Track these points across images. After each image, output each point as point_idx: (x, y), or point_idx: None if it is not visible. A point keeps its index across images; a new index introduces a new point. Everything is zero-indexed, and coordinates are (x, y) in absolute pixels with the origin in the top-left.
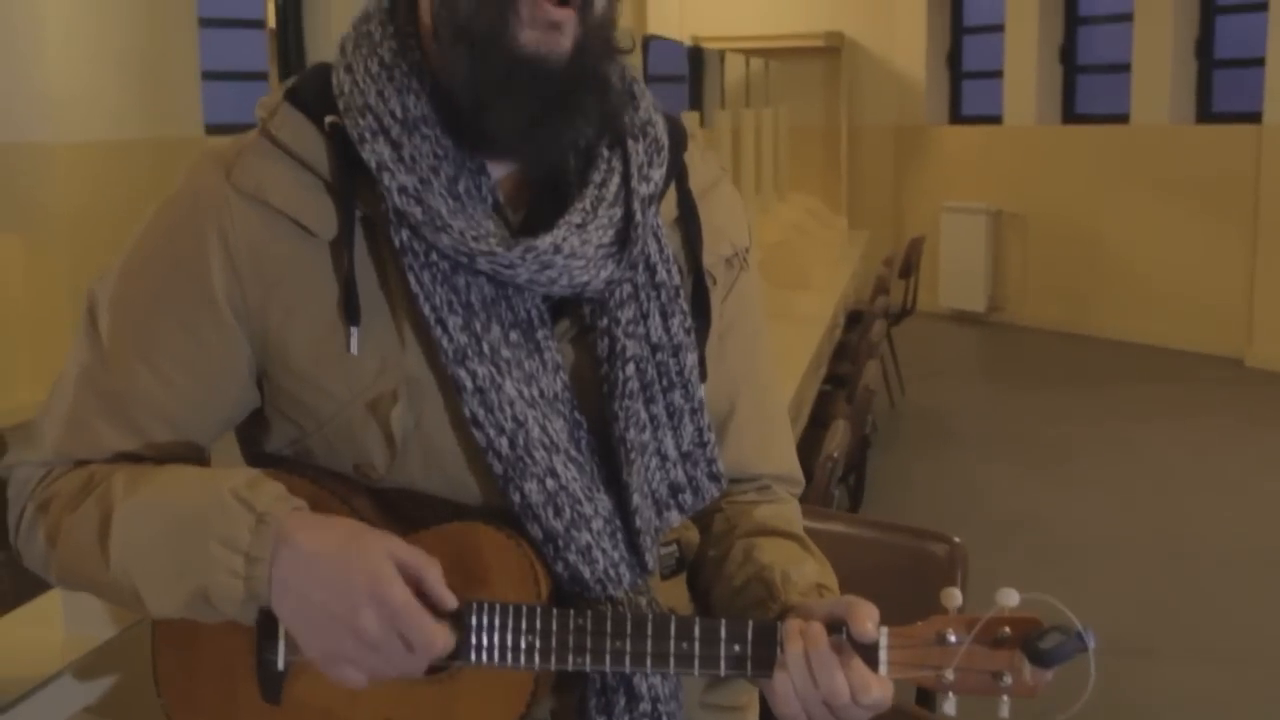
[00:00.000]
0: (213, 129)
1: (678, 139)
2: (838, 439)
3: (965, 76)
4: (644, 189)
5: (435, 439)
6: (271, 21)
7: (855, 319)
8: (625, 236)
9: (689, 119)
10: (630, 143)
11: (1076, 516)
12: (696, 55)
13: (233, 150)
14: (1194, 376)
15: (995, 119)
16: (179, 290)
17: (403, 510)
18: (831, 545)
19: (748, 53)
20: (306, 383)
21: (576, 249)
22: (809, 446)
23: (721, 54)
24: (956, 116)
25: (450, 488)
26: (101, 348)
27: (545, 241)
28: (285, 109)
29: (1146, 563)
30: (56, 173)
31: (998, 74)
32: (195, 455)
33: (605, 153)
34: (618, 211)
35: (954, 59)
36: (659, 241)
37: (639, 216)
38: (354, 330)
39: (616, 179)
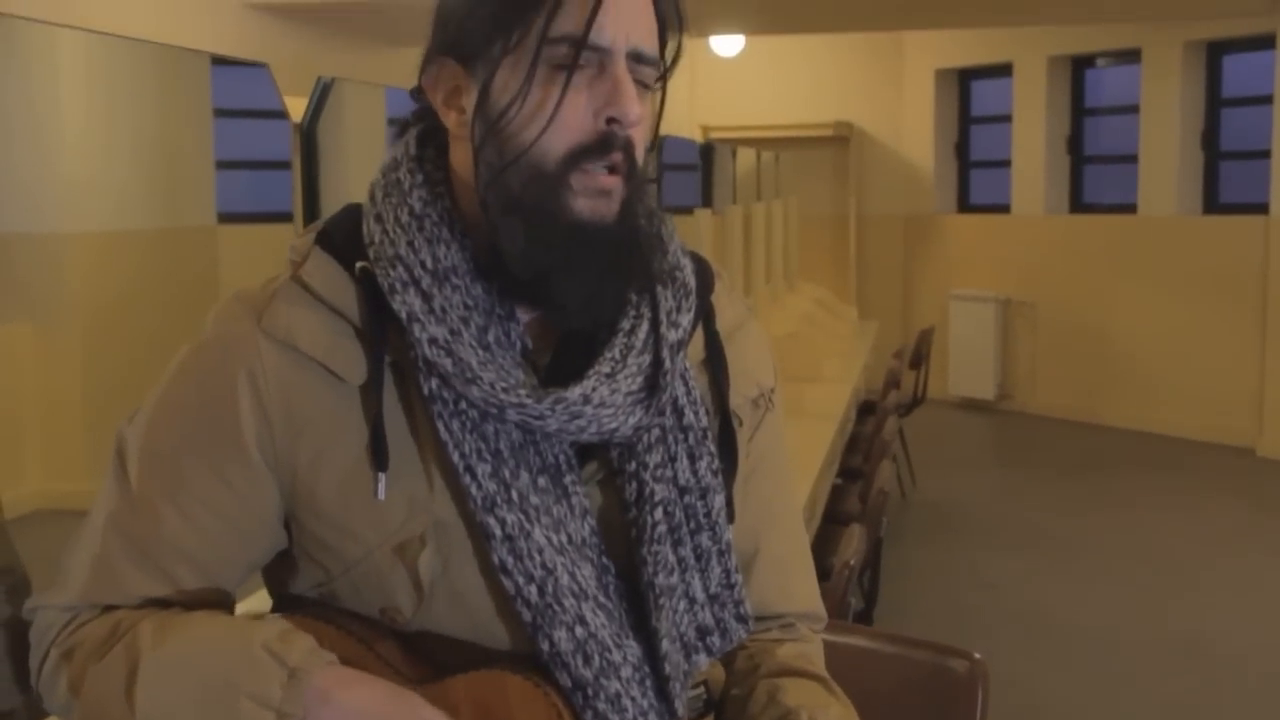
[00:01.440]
0: (225, 217)
1: (705, 280)
2: (854, 546)
3: (973, 166)
4: (673, 335)
5: (463, 584)
6: (295, 115)
7: (867, 410)
8: (654, 383)
9: (701, 216)
10: (660, 289)
11: (1088, 610)
12: (708, 150)
13: (264, 296)
14: (1205, 466)
15: (1003, 208)
16: (208, 434)
17: (429, 655)
18: (850, 660)
19: (757, 143)
20: (334, 526)
21: (606, 398)
22: (823, 544)
23: (733, 148)
24: (965, 206)
25: (478, 633)
26: (130, 491)
27: (575, 393)
28: (316, 254)
29: (1158, 658)
30: (68, 262)
31: (1005, 164)
32: (222, 600)
33: (634, 298)
34: (646, 359)
35: (962, 149)
36: (687, 384)
37: (668, 364)
38: (382, 476)
39: (645, 326)
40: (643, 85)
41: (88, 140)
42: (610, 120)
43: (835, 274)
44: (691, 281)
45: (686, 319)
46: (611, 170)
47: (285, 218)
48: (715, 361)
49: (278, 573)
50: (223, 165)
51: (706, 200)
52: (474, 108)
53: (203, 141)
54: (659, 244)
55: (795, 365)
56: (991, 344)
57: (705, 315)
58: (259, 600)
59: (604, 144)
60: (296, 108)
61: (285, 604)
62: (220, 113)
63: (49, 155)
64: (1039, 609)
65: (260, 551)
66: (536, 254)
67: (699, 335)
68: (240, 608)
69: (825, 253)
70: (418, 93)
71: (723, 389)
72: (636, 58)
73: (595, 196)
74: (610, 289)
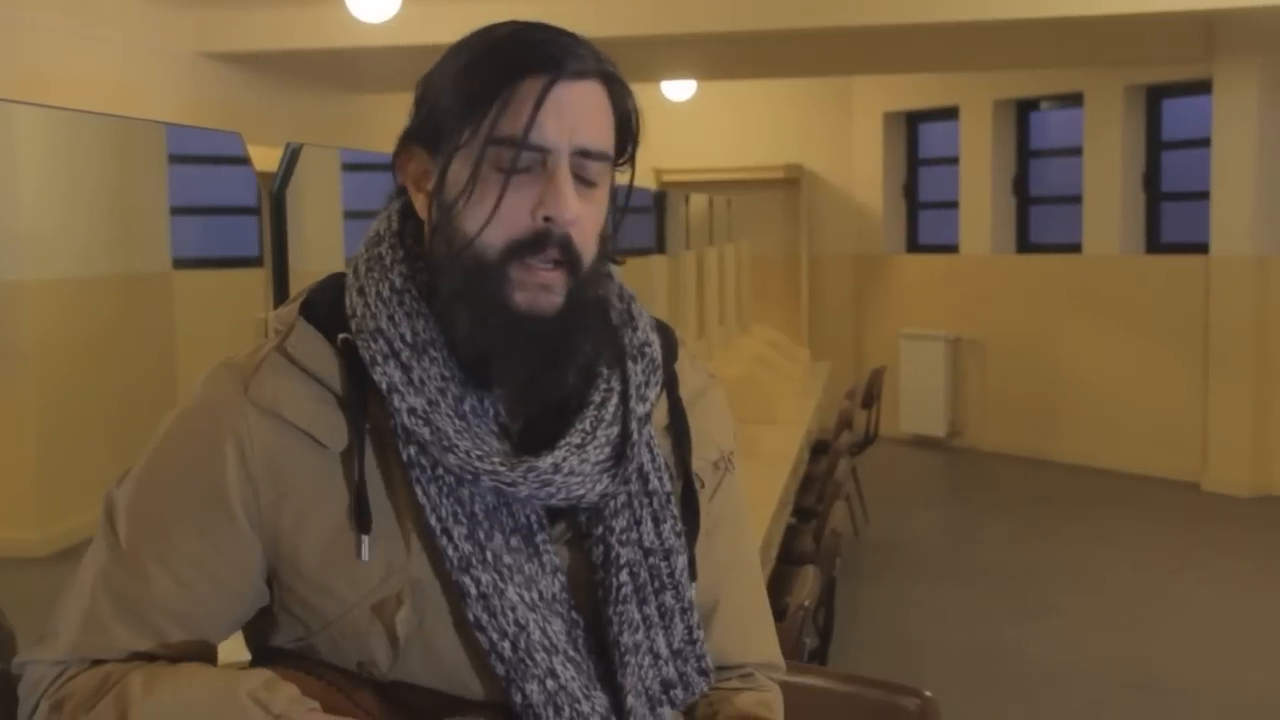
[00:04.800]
0: (180, 263)
1: (669, 348)
2: (808, 587)
3: (922, 207)
4: (641, 409)
5: (438, 640)
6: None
7: (821, 450)
8: (621, 453)
9: (655, 261)
10: (629, 364)
11: (1039, 644)
12: (661, 197)
13: (250, 365)
14: (1152, 501)
15: (952, 248)
16: (195, 496)
17: (406, 704)
18: (804, 699)
19: (710, 185)
20: (315, 585)
21: (575, 467)
22: (779, 584)
23: (686, 195)
24: (914, 246)
25: (452, 685)
26: (119, 550)
27: (546, 462)
28: (301, 326)
29: (1108, 692)
30: (25, 310)
31: (953, 205)
32: (207, 653)
33: (605, 372)
34: (615, 430)
35: (910, 190)
36: (652, 451)
37: (635, 435)
38: (365, 538)
39: (615, 399)
40: (586, 182)
41: (42, 192)
42: (547, 218)
43: (788, 315)
44: (659, 356)
45: (654, 392)
46: (555, 264)
47: (248, 262)
48: (678, 427)
49: (258, 627)
50: (178, 211)
51: (660, 245)
52: (431, 191)
53: (156, 187)
54: (629, 320)
55: (748, 408)
56: (942, 382)
57: (669, 382)
58: (234, 650)
59: (539, 240)
60: (257, 157)
61: (264, 656)
62: (175, 159)
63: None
64: (990, 645)
65: (244, 608)
66: (478, 339)
67: (663, 402)
68: (221, 658)
69: (778, 293)
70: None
71: (685, 453)
72: (583, 154)
73: (535, 290)
74: (547, 378)
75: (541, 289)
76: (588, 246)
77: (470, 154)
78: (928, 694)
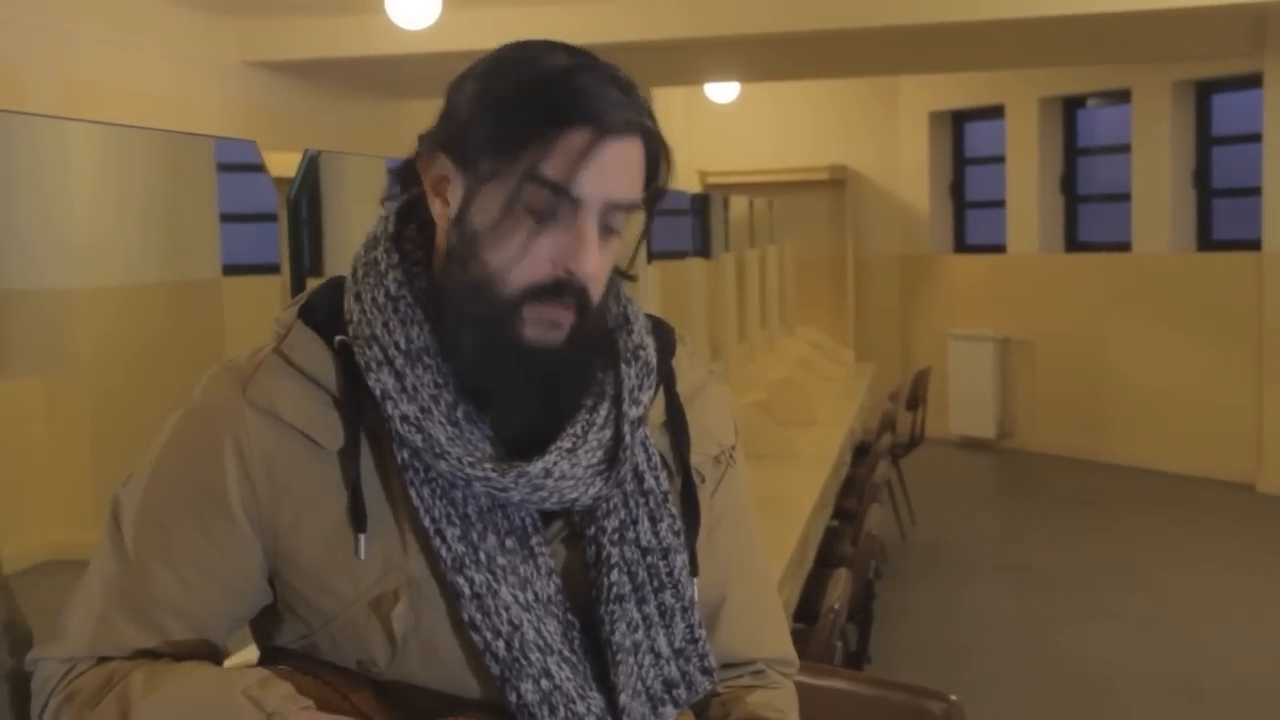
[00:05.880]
0: (230, 269)
1: (666, 345)
2: (840, 589)
3: (968, 206)
4: (633, 412)
5: (434, 638)
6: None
7: (863, 451)
8: (614, 456)
9: (693, 264)
10: (624, 367)
11: (1088, 648)
12: (700, 199)
13: (249, 366)
14: (1205, 502)
15: (999, 248)
16: (197, 498)
17: (404, 704)
18: (829, 702)
19: (754, 187)
20: (313, 582)
21: (566, 471)
22: (815, 587)
23: (725, 197)
24: (961, 246)
25: (449, 684)
26: (125, 551)
27: (537, 467)
28: (299, 328)
29: (1158, 696)
30: (77, 317)
31: (1000, 204)
32: (211, 651)
33: (599, 375)
34: (607, 434)
35: (957, 189)
36: (647, 450)
37: (628, 439)
38: (361, 537)
39: (607, 403)
40: (609, 230)
41: (94, 199)
42: (568, 270)
43: (834, 316)
44: (653, 360)
45: (647, 395)
46: (565, 306)
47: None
48: (676, 423)
49: (263, 626)
50: (227, 218)
51: (703, 249)
52: (454, 215)
53: (206, 196)
54: (625, 323)
55: (788, 410)
56: (991, 383)
57: (667, 378)
58: (252, 653)
59: (557, 288)
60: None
61: (270, 655)
62: (224, 167)
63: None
64: (1039, 649)
65: (246, 606)
66: (481, 368)
67: (660, 399)
68: (238, 659)
69: (824, 295)
70: (404, 169)
71: (684, 449)
72: (612, 205)
73: (544, 327)
74: (551, 401)
75: (551, 326)
76: (599, 291)
77: (503, 188)
78: (953, 698)
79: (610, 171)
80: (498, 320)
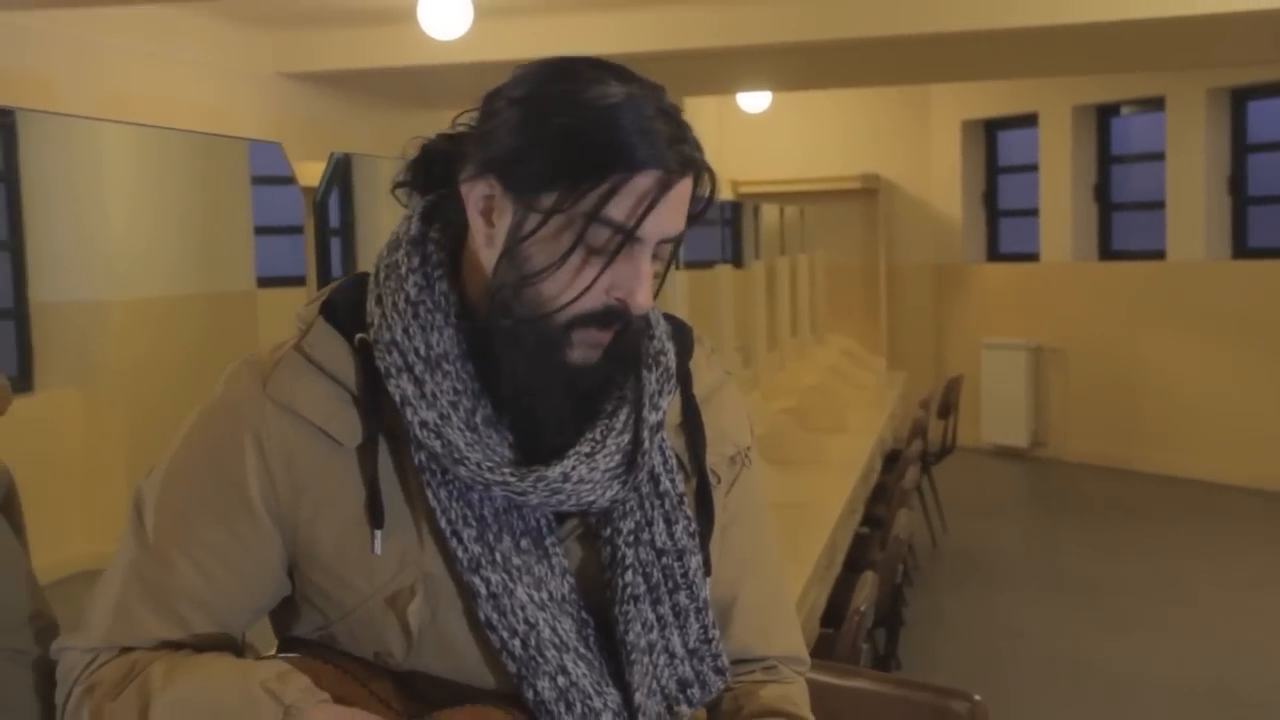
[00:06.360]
0: (264, 281)
1: (685, 346)
2: (866, 591)
3: (1001, 215)
4: (653, 417)
5: (450, 633)
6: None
7: (894, 460)
8: (632, 460)
9: (721, 271)
10: (645, 373)
11: (1121, 657)
12: (731, 208)
13: (270, 362)
14: (1240, 511)
15: (1032, 256)
16: (218, 491)
17: (422, 694)
18: (853, 702)
19: (786, 196)
20: (331, 576)
21: (585, 475)
22: (842, 591)
23: (756, 205)
24: (994, 254)
25: (466, 677)
26: (147, 543)
27: (555, 471)
28: (319, 325)
29: (1191, 704)
30: (115, 329)
31: (1033, 212)
32: (231, 642)
33: (618, 380)
34: (626, 438)
35: (990, 198)
36: (664, 453)
37: (646, 443)
38: (378, 533)
39: (627, 408)
40: (657, 259)
41: (132, 212)
42: (619, 299)
43: (866, 325)
44: (673, 364)
45: (666, 400)
46: (610, 329)
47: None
48: (692, 424)
49: (282, 617)
50: (261, 231)
51: (734, 257)
52: (503, 245)
53: (241, 208)
54: (646, 328)
55: (818, 416)
56: (1024, 391)
57: (683, 379)
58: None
59: (608, 316)
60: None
61: (290, 645)
62: (258, 180)
63: (92, 227)
64: (1070, 656)
65: (266, 598)
66: (525, 385)
67: (676, 399)
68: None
69: (856, 304)
70: (423, 163)
71: (699, 450)
72: (664, 241)
73: (589, 348)
74: (575, 419)
75: (594, 346)
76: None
77: (565, 226)
78: (977, 698)
79: (670, 211)
80: (546, 346)
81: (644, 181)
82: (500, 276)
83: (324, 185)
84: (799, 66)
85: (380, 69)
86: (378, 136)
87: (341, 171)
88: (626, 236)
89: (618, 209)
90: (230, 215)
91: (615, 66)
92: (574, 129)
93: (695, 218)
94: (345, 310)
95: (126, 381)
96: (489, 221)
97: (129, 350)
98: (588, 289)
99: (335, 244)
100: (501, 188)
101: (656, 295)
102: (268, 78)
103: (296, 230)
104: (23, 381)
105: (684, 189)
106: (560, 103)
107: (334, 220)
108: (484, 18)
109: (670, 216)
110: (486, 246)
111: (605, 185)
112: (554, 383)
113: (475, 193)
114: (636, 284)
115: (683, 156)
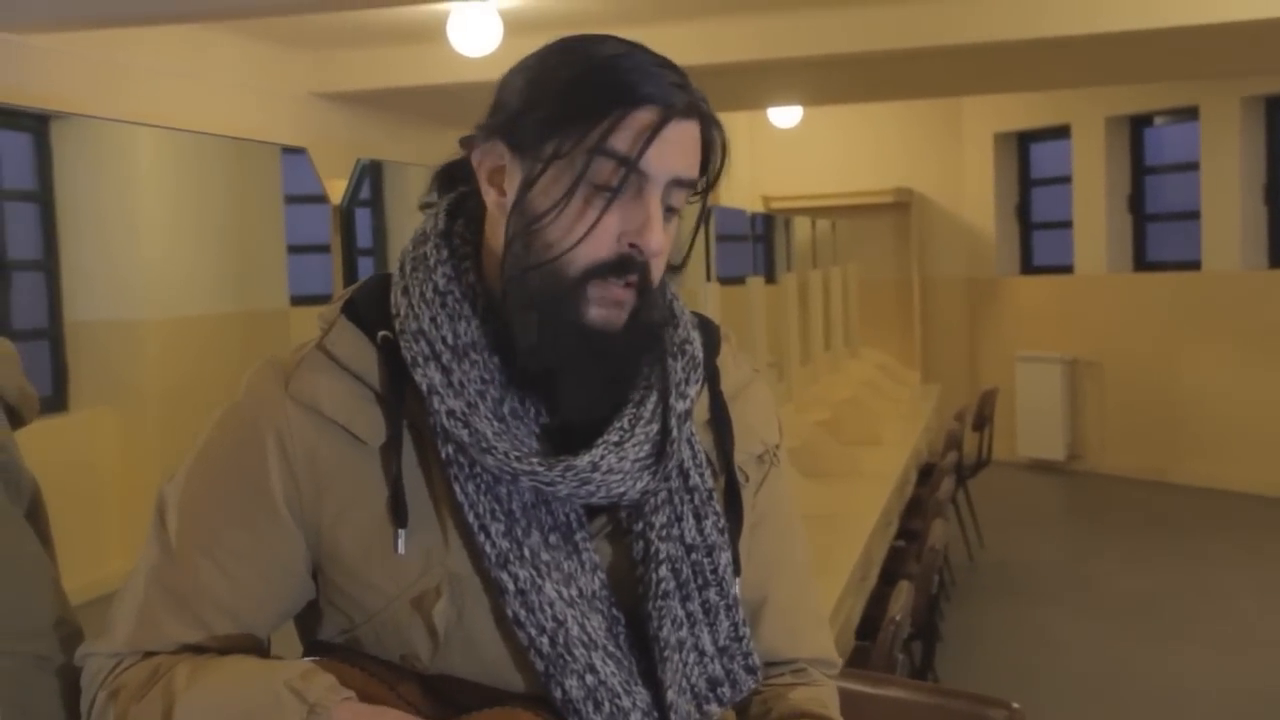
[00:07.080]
0: (297, 299)
1: (712, 343)
2: (901, 601)
3: (1035, 227)
4: (680, 406)
5: (477, 634)
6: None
7: (929, 473)
8: (661, 450)
9: (753, 284)
10: (670, 361)
11: (1160, 670)
12: (763, 220)
13: (292, 362)
14: (1276, 523)
15: (1067, 269)
16: (241, 493)
17: (450, 697)
18: (889, 711)
19: (818, 211)
20: (355, 578)
21: (614, 465)
22: (878, 602)
23: (788, 219)
24: (1028, 267)
25: (493, 679)
26: (170, 546)
27: (584, 460)
28: (341, 323)
29: (1230, 717)
30: (150, 348)
31: (1067, 224)
32: (255, 646)
33: (645, 369)
34: (654, 427)
35: (1023, 210)
36: (693, 447)
37: (675, 432)
38: (401, 532)
39: (654, 397)
40: (670, 209)
41: (165, 231)
42: (633, 245)
43: (900, 339)
44: (700, 354)
45: (694, 389)
46: (627, 284)
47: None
48: (720, 421)
49: (307, 620)
50: (294, 249)
51: (765, 270)
52: (513, 201)
53: (274, 227)
54: (671, 318)
55: (852, 430)
56: (1059, 404)
57: (711, 377)
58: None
59: (622, 265)
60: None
61: (315, 649)
62: (291, 199)
63: (127, 246)
64: (1109, 670)
65: (290, 601)
66: (545, 352)
67: (704, 396)
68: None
69: (889, 318)
70: (447, 171)
71: (727, 448)
72: (675, 183)
73: (608, 306)
74: (608, 393)
75: (614, 305)
76: (659, 272)
77: (567, 167)
78: (1015, 705)
79: (675, 149)
80: (562, 299)
81: (645, 115)
82: (511, 230)
83: (349, 193)
84: (830, 80)
85: (411, 87)
86: (410, 155)
87: (368, 177)
88: (630, 168)
89: (620, 140)
90: (264, 233)
91: (619, 37)
92: (576, 78)
93: (710, 180)
94: (367, 308)
95: (161, 401)
96: (500, 190)
97: (163, 369)
98: (594, 228)
99: (366, 263)
100: (509, 151)
101: (675, 267)
102: (301, 98)
103: (329, 249)
104: (57, 401)
105: (690, 131)
106: (563, 61)
107: (362, 240)
108: (513, 35)
109: (676, 154)
110: (499, 218)
111: (606, 121)
112: (571, 344)
113: (485, 163)
114: (646, 225)
115: (686, 100)
